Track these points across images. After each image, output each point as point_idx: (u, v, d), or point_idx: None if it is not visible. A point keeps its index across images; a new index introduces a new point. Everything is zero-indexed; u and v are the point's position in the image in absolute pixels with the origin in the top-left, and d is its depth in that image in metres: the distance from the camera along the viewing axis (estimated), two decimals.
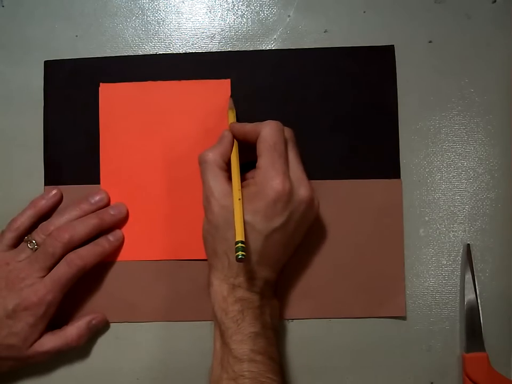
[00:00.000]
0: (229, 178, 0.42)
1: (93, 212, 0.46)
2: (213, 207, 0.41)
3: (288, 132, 0.43)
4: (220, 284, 0.41)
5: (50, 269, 0.44)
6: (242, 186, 0.41)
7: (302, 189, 0.41)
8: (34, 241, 0.44)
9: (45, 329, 0.44)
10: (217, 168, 0.42)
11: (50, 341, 0.44)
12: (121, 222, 0.47)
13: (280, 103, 0.47)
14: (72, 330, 0.45)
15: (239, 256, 0.37)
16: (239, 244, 0.37)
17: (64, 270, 0.43)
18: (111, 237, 0.46)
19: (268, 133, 0.41)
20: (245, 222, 0.39)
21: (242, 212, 0.39)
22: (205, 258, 0.44)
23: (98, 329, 0.47)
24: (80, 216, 0.45)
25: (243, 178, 0.43)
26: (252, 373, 0.38)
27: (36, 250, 0.44)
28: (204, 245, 0.43)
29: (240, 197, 0.40)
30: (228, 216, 0.40)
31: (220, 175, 0.42)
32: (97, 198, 0.46)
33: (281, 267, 0.44)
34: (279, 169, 0.40)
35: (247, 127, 0.43)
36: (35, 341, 0.44)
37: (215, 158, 0.42)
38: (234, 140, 0.44)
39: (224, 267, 0.41)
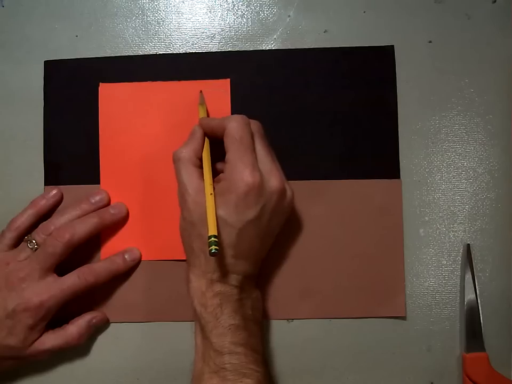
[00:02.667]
0: (202, 174, 0.42)
1: (93, 211, 0.46)
2: (188, 204, 0.41)
3: (254, 124, 0.43)
4: (197, 280, 0.41)
5: (50, 269, 0.44)
6: (214, 181, 0.42)
7: (273, 180, 0.41)
8: (34, 241, 0.44)
9: (45, 328, 0.44)
10: (191, 165, 0.42)
11: (50, 340, 0.44)
12: (121, 222, 0.47)
13: (280, 103, 0.47)
14: (73, 329, 0.45)
15: (212, 251, 0.37)
16: (212, 239, 0.37)
17: (74, 281, 0.44)
18: (127, 256, 0.46)
19: (234, 127, 0.41)
20: (217, 217, 0.40)
21: (215, 206, 0.40)
22: None
23: (98, 328, 0.47)
24: (81, 216, 0.45)
25: (213, 171, 0.43)
26: (233, 365, 0.38)
27: (36, 250, 0.44)
28: (182, 242, 0.43)
29: (212, 192, 0.40)
30: (202, 212, 0.40)
31: (194, 172, 0.42)
32: (97, 198, 0.46)
33: (260, 260, 0.44)
34: (247, 162, 0.40)
35: (214, 122, 0.43)
36: (34, 340, 0.44)
37: (189, 155, 0.42)
38: (206, 135, 0.44)
39: (201, 263, 0.41)
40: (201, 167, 0.43)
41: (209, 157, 0.43)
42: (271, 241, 0.44)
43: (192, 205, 0.41)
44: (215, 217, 0.39)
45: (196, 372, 0.41)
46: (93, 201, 0.46)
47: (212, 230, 0.38)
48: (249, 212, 0.40)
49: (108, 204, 0.47)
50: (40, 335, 0.44)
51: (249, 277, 0.43)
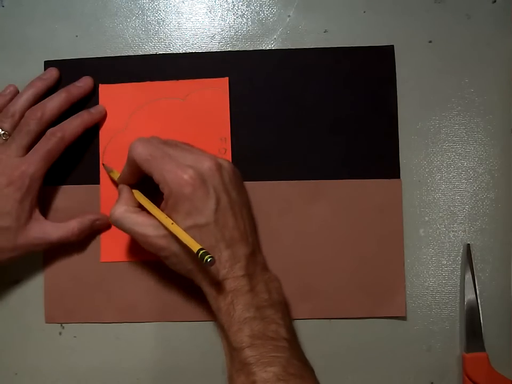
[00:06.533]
0: (148, 214, 0.42)
1: (47, 87, 0.47)
2: (158, 244, 0.41)
3: (151, 138, 0.43)
4: (209, 289, 0.41)
5: (26, 147, 0.45)
6: (162, 210, 0.42)
7: (203, 163, 0.41)
8: (1, 129, 0.45)
9: (35, 207, 0.45)
10: (131, 214, 0.42)
11: (52, 230, 0.45)
12: (86, 93, 0.47)
13: (280, 103, 0.47)
14: (75, 224, 0.45)
15: (209, 260, 0.37)
16: (201, 252, 0.38)
17: (44, 142, 0.45)
18: (92, 109, 0.47)
19: (138, 152, 0.42)
20: (189, 229, 0.40)
21: (182, 229, 0.40)
22: None
23: (98, 328, 0.47)
24: (37, 93, 0.46)
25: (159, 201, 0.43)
26: (253, 357, 0.39)
27: (4, 135, 0.44)
28: (181, 274, 0.43)
29: (172, 221, 0.40)
30: (175, 241, 0.41)
31: (138, 217, 0.42)
32: (47, 73, 0.47)
33: (251, 234, 0.43)
34: (171, 169, 0.41)
35: (125, 168, 0.44)
36: (27, 220, 0.44)
37: (124, 208, 0.43)
38: (136, 191, 0.45)
39: (205, 276, 0.41)
40: (141, 210, 0.43)
41: (148, 200, 0.43)
42: (246, 211, 0.43)
43: (162, 242, 0.41)
44: (189, 237, 0.39)
45: (227, 374, 0.41)
46: (44, 77, 0.47)
47: (195, 246, 0.38)
48: (208, 203, 0.40)
49: (57, 78, 0.48)
50: (31, 215, 0.44)
51: (252, 258, 0.42)
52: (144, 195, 0.44)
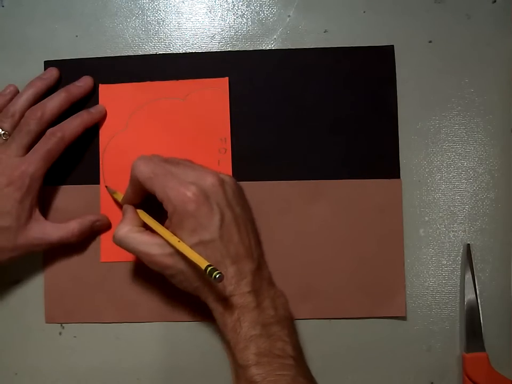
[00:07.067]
0: (152, 233, 0.42)
1: (47, 87, 0.47)
2: (164, 263, 0.41)
3: (152, 156, 0.43)
4: (215, 305, 0.41)
5: (26, 147, 0.45)
6: (167, 228, 0.42)
7: (206, 179, 0.41)
8: (1, 129, 0.45)
9: (35, 206, 0.45)
10: (135, 234, 0.42)
11: (52, 230, 0.45)
12: (86, 92, 0.47)
13: (280, 103, 0.47)
14: (75, 225, 0.45)
15: (218, 276, 0.37)
16: (209, 268, 0.37)
17: (44, 142, 0.45)
18: (92, 109, 0.47)
19: (141, 171, 0.42)
20: (195, 246, 0.40)
21: (189, 247, 0.40)
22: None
23: (98, 328, 0.47)
24: (37, 93, 0.46)
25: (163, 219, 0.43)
26: (259, 375, 0.38)
27: (5, 135, 0.45)
28: (187, 291, 0.43)
29: (178, 239, 0.40)
30: (181, 258, 0.40)
31: (142, 236, 0.42)
32: (47, 73, 0.47)
33: (256, 249, 0.43)
34: (174, 186, 0.40)
35: (128, 189, 0.44)
36: (27, 220, 0.44)
37: (127, 228, 0.43)
38: (140, 210, 0.45)
39: (212, 292, 0.41)
40: (146, 229, 0.43)
41: (153, 219, 0.43)
42: (250, 225, 0.43)
43: (168, 260, 0.41)
44: (196, 254, 0.39)
45: None
46: (44, 76, 0.47)
47: (203, 263, 0.38)
48: (213, 219, 0.40)
49: (57, 78, 0.48)
50: (31, 215, 0.44)
51: (258, 273, 0.42)
52: (149, 214, 0.44)
